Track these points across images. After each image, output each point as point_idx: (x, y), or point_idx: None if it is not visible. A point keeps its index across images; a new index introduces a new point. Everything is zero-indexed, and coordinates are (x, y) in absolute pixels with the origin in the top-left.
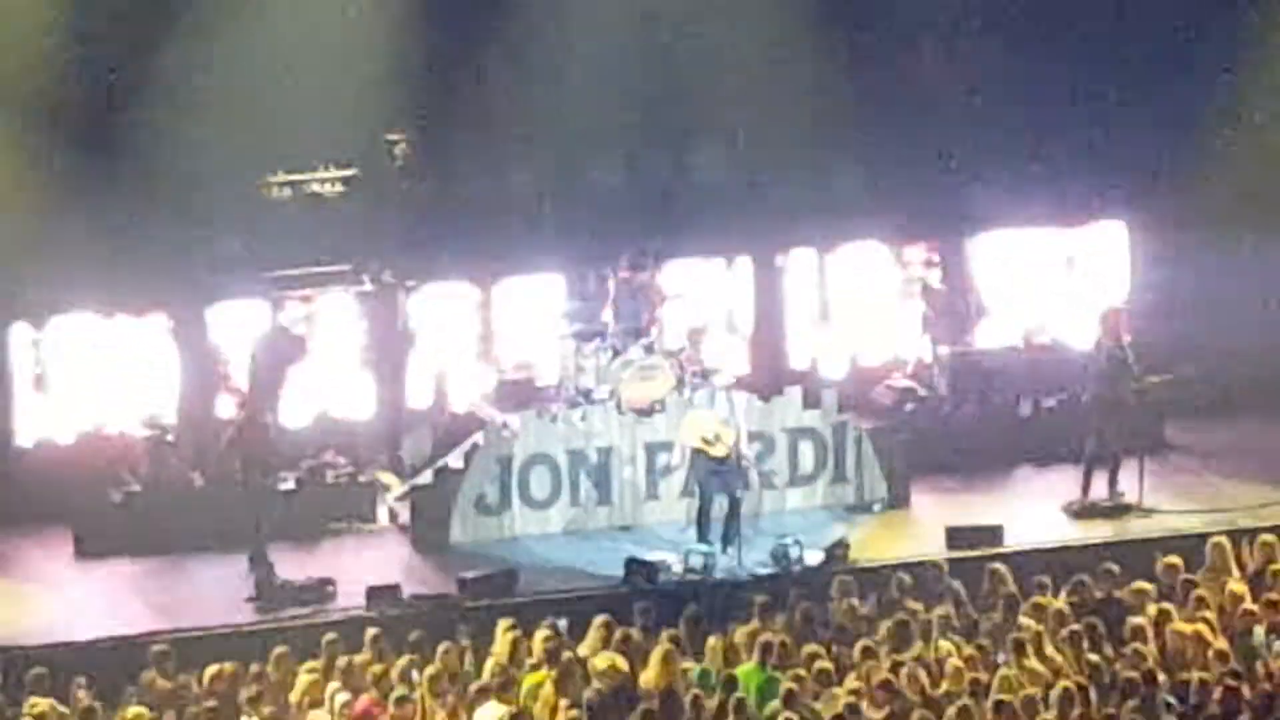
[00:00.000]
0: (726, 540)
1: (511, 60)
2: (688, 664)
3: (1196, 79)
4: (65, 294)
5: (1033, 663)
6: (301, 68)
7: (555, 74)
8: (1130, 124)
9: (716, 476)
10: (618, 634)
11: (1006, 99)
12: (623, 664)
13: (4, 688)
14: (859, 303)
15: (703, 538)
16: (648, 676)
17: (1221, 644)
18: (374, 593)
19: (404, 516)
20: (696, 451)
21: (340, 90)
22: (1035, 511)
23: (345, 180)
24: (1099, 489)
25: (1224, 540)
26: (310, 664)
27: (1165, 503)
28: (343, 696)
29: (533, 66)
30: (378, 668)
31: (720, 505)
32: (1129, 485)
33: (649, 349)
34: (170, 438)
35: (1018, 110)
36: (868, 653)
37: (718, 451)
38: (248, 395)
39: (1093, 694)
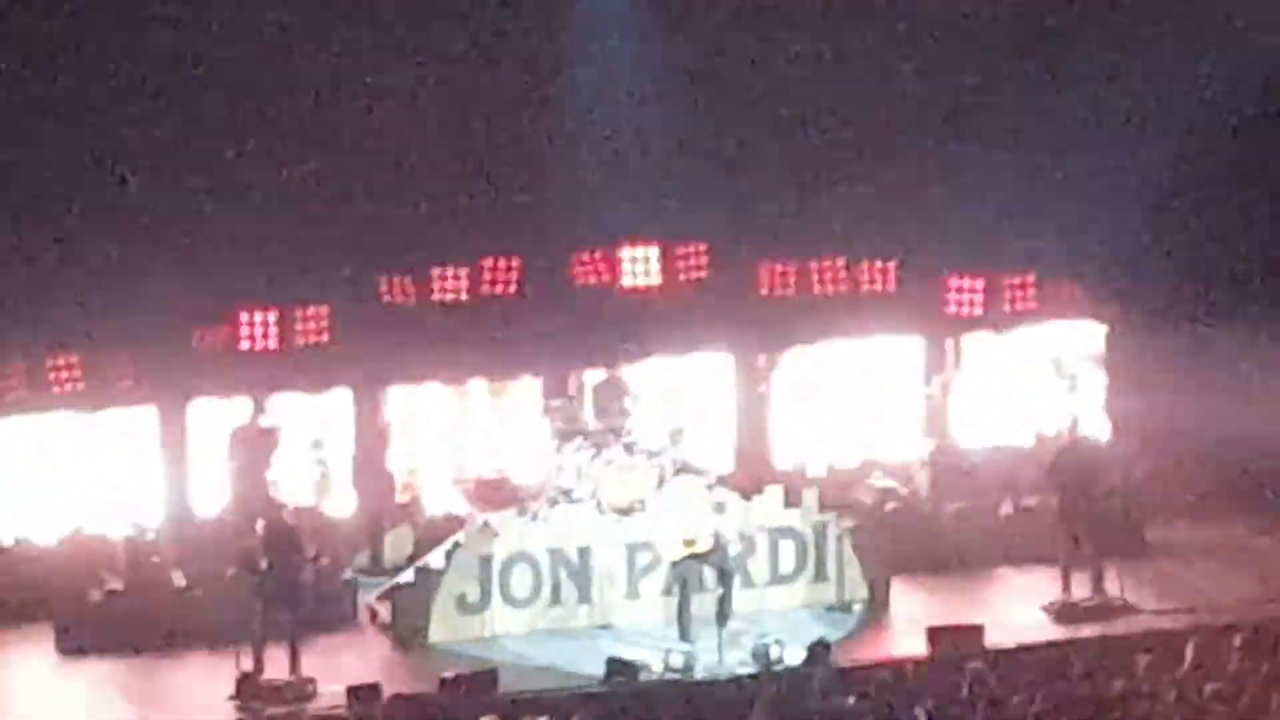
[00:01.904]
0: (723, 615)
1: (487, 152)
2: None
3: (1177, 180)
4: (49, 389)
5: None
6: None
7: (535, 166)
8: (1110, 225)
9: (701, 570)
10: None
11: (984, 195)
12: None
13: None
14: (841, 401)
15: (684, 636)
16: None
17: None
18: (355, 692)
19: (385, 615)
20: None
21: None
22: (1016, 611)
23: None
24: (1081, 590)
25: (1204, 640)
26: None
27: (1146, 603)
28: None
29: (515, 161)
30: None
31: (702, 600)
32: (1110, 585)
33: (629, 448)
34: (151, 536)
35: (995, 207)
36: None
37: (700, 549)
38: (257, 491)
39: None
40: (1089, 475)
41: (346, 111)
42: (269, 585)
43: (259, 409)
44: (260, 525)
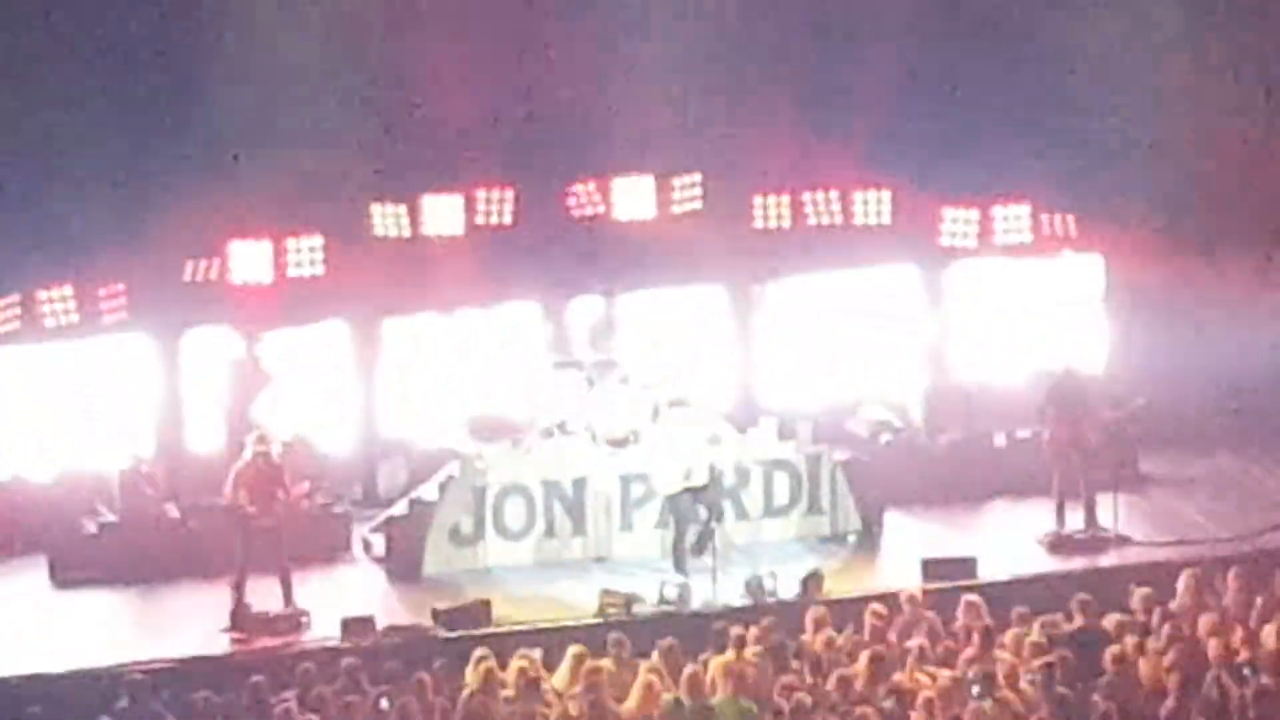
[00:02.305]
0: (701, 548)
1: (481, 81)
2: (663, 695)
3: (1175, 111)
4: (41, 321)
5: (1007, 695)
6: None
7: (530, 95)
8: (1109, 156)
9: (695, 504)
10: (591, 665)
11: (979, 123)
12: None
13: None
14: (837, 332)
15: (679, 567)
16: (628, 707)
17: (1196, 675)
18: (349, 624)
19: (378, 548)
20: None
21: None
22: (1010, 543)
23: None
24: (1074, 522)
25: (1198, 572)
26: (286, 694)
27: (1140, 534)
28: None
29: (510, 90)
30: (351, 698)
31: (696, 530)
32: (1104, 517)
33: (623, 380)
34: (145, 468)
35: (990, 136)
36: (843, 684)
37: (696, 481)
38: (245, 426)
39: None
40: (1081, 408)
41: (338, 41)
42: (250, 522)
43: (252, 341)
44: (242, 462)
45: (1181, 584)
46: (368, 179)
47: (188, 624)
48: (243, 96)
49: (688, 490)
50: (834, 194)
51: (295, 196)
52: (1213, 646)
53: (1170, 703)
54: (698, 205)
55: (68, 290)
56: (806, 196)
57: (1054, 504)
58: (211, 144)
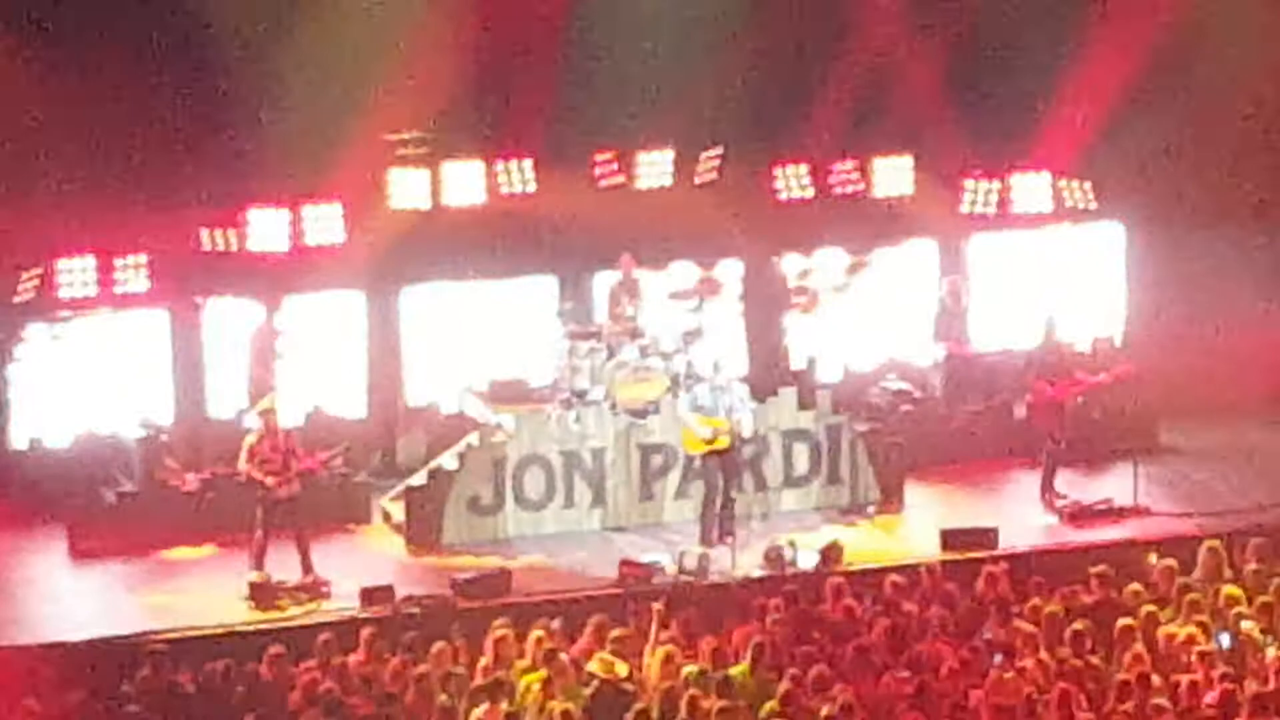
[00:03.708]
0: (723, 528)
1: (504, 50)
2: (683, 665)
3: (1195, 82)
4: (62, 290)
5: (1026, 665)
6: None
7: (552, 67)
8: (1129, 125)
9: (719, 468)
10: (611, 635)
11: (999, 93)
12: (618, 665)
13: None
14: (855, 303)
15: (705, 533)
16: (648, 677)
17: (1214, 647)
18: (368, 594)
19: (398, 517)
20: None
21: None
22: (1030, 514)
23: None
24: (1096, 492)
25: (1217, 543)
26: (306, 664)
27: (1159, 505)
28: None
29: (532, 60)
30: (371, 668)
31: (718, 498)
32: (1123, 488)
33: (643, 350)
34: (164, 438)
35: (1010, 105)
36: (862, 654)
37: (721, 443)
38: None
39: (1085, 697)
40: (1062, 374)
41: (357, 6)
42: (268, 492)
43: (271, 310)
44: (254, 434)
45: (1201, 555)
46: (385, 146)
47: (208, 594)
48: (262, 64)
49: (713, 453)
50: (854, 163)
51: (314, 164)
52: (1232, 618)
53: (1190, 674)
54: (718, 177)
55: (89, 260)
56: (827, 167)
57: (1075, 475)
58: (231, 110)
